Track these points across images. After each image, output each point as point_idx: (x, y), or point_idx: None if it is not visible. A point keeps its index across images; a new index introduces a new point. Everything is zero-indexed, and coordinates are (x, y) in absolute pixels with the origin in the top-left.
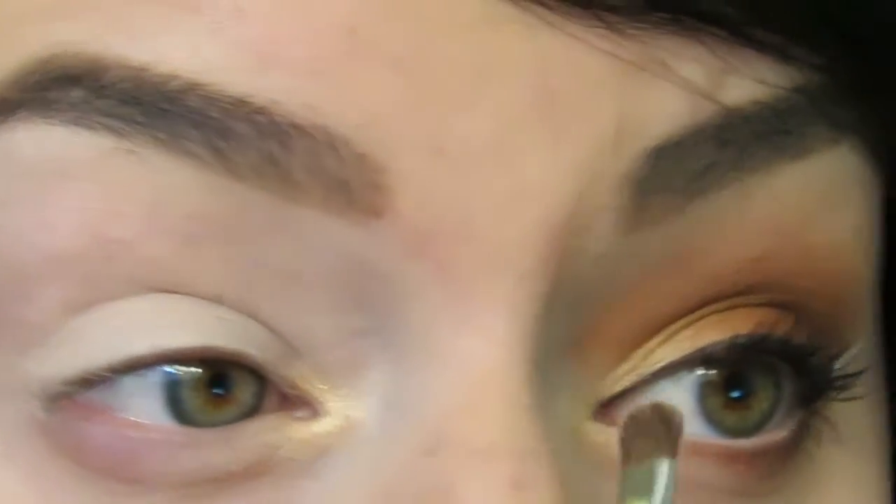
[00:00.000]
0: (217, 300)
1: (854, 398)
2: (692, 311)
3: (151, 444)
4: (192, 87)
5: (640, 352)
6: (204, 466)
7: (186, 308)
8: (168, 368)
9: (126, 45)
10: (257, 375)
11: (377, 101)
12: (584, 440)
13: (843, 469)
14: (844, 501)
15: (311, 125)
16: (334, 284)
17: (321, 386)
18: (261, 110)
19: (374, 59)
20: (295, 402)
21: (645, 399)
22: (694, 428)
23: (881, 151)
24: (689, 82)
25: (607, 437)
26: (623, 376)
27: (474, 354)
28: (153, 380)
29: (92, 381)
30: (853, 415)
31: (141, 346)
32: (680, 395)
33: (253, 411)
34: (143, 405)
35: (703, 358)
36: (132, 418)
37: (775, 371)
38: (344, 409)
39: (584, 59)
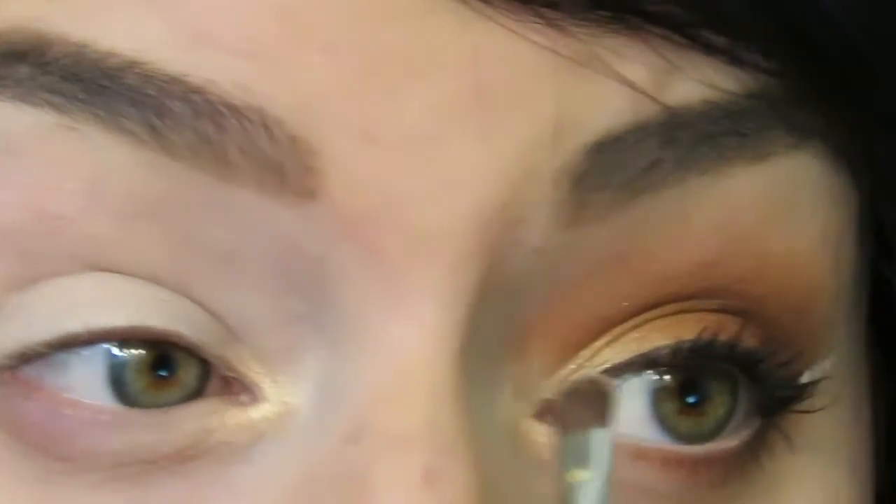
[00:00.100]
0: (155, 280)
1: (814, 410)
2: (640, 313)
3: (85, 423)
4: (129, 65)
5: (586, 352)
6: (135, 447)
7: (124, 287)
8: (114, 350)
9: (68, 22)
10: (201, 359)
11: (310, 85)
12: (524, 439)
13: (798, 481)
14: None
15: (244, 105)
16: (271, 267)
17: (260, 370)
18: (196, 89)
19: (309, 42)
20: (237, 387)
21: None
22: (647, 433)
23: (857, 160)
24: (632, 80)
25: (550, 437)
26: (568, 377)
27: (402, 342)
28: (97, 360)
29: (29, 357)
30: (815, 426)
31: (75, 323)
32: (633, 400)
33: (196, 394)
34: (87, 385)
35: (647, 361)
36: (73, 397)
37: (732, 378)
38: (282, 394)
39: (521, 53)
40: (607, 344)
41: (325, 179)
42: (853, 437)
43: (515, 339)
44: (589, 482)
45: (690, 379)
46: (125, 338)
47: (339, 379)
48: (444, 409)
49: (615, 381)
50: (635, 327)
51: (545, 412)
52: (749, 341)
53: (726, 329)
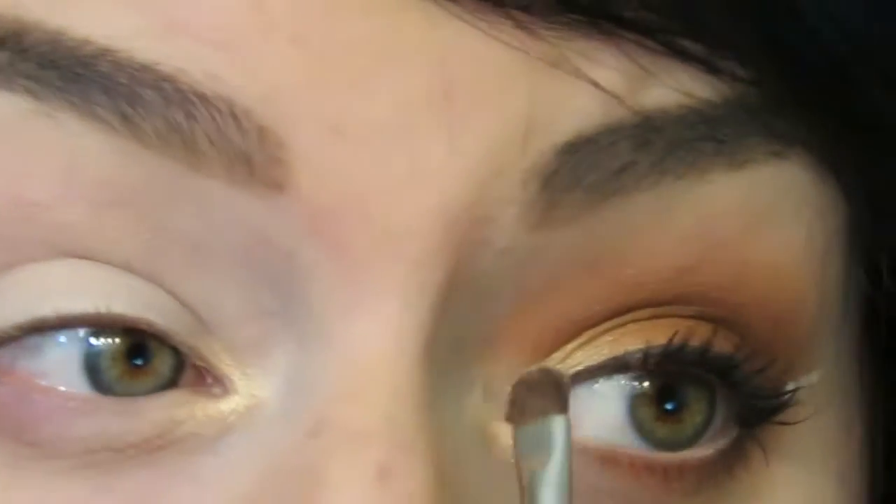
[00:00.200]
0: (127, 268)
1: (796, 422)
2: (613, 317)
3: (54, 408)
4: (103, 53)
5: (558, 354)
6: (103, 434)
7: (96, 274)
8: (90, 339)
9: (45, 9)
10: (176, 350)
11: (279, 76)
12: (493, 440)
13: (773, 493)
14: None
15: (214, 95)
16: (241, 260)
17: (230, 363)
18: (167, 78)
19: (279, 33)
20: (209, 378)
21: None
22: (623, 438)
23: (845, 171)
24: (602, 84)
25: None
26: None
27: (365, 339)
28: (73, 347)
29: (2, 339)
30: (798, 438)
31: (46, 308)
32: (610, 405)
33: (170, 384)
34: (62, 372)
35: (619, 365)
36: (46, 383)
37: (710, 386)
38: (251, 387)
39: (491, 53)
40: (580, 346)
41: (293, 171)
42: (842, 449)
43: (485, 339)
44: (547, 470)
45: (669, 385)
46: (96, 324)
47: (306, 374)
48: (404, 406)
49: (568, 373)
50: (608, 331)
51: None
52: (722, 346)
53: (698, 334)
